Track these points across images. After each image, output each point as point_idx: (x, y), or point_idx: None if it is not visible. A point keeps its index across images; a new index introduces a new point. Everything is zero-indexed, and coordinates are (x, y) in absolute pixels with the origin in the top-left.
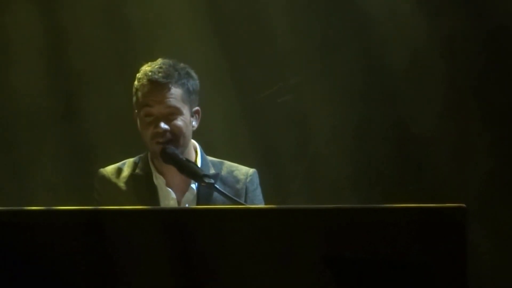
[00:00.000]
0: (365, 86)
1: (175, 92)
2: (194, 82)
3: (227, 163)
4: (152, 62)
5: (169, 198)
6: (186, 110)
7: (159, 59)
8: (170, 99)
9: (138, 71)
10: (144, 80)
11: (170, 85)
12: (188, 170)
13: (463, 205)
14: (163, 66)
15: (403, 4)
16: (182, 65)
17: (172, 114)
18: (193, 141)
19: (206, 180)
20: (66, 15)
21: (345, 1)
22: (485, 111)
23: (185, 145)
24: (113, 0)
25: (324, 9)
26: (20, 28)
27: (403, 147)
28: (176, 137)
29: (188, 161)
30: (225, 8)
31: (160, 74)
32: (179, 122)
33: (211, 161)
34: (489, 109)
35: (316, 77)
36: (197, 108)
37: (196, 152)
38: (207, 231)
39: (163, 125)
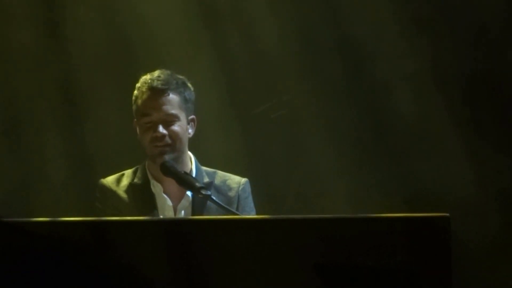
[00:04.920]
0: (357, 101)
1: (173, 99)
2: (190, 92)
3: (221, 172)
4: (151, 72)
5: (165, 205)
6: (183, 117)
7: (158, 69)
8: (168, 106)
9: (137, 82)
10: (144, 88)
11: (168, 91)
12: (186, 182)
13: (447, 214)
14: (162, 75)
15: (392, 22)
16: (179, 76)
17: (170, 120)
18: (188, 152)
19: (203, 192)
20: (69, 28)
21: (340, 19)
22: (471, 119)
23: (182, 150)
24: (115, 16)
25: (320, 27)
26: (23, 45)
27: (394, 159)
28: (173, 141)
29: (186, 173)
30: (223, 25)
31: (159, 82)
32: (176, 127)
33: (205, 170)
34: (474, 117)
35: (310, 93)
36: (193, 116)
37: (191, 162)
38: (205, 241)
39: (161, 129)
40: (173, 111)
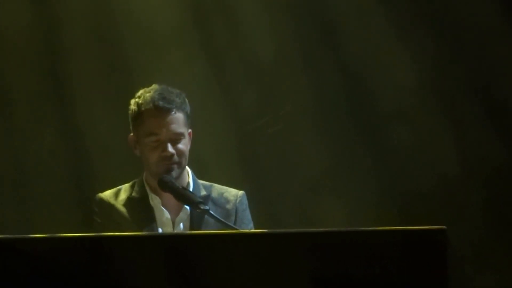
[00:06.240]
0: (352, 115)
1: (179, 117)
2: (189, 107)
3: (217, 185)
4: (149, 88)
5: (164, 217)
6: (186, 133)
7: (154, 85)
8: (175, 125)
9: (133, 97)
10: (148, 106)
11: (174, 110)
12: (185, 197)
13: (444, 227)
14: (164, 92)
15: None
16: (177, 90)
17: (177, 139)
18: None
19: (202, 207)
20: (63, 42)
21: (336, 32)
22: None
23: (185, 167)
24: (109, 33)
25: (317, 40)
26: (18, 61)
27: (390, 172)
28: (180, 159)
29: (184, 188)
30: (218, 38)
31: (164, 100)
32: (182, 145)
33: (202, 184)
34: (464, 128)
35: (306, 107)
36: (190, 130)
37: (188, 176)
38: (203, 256)
39: (170, 149)
40: (180, 130)
